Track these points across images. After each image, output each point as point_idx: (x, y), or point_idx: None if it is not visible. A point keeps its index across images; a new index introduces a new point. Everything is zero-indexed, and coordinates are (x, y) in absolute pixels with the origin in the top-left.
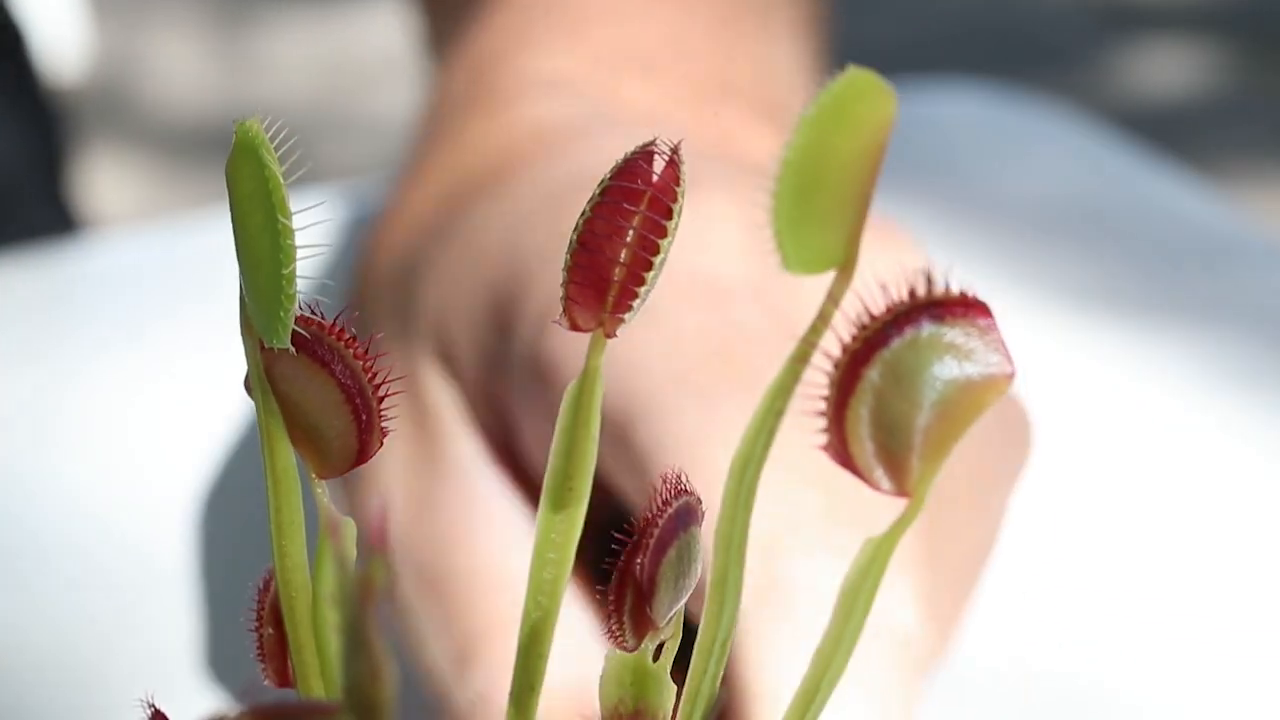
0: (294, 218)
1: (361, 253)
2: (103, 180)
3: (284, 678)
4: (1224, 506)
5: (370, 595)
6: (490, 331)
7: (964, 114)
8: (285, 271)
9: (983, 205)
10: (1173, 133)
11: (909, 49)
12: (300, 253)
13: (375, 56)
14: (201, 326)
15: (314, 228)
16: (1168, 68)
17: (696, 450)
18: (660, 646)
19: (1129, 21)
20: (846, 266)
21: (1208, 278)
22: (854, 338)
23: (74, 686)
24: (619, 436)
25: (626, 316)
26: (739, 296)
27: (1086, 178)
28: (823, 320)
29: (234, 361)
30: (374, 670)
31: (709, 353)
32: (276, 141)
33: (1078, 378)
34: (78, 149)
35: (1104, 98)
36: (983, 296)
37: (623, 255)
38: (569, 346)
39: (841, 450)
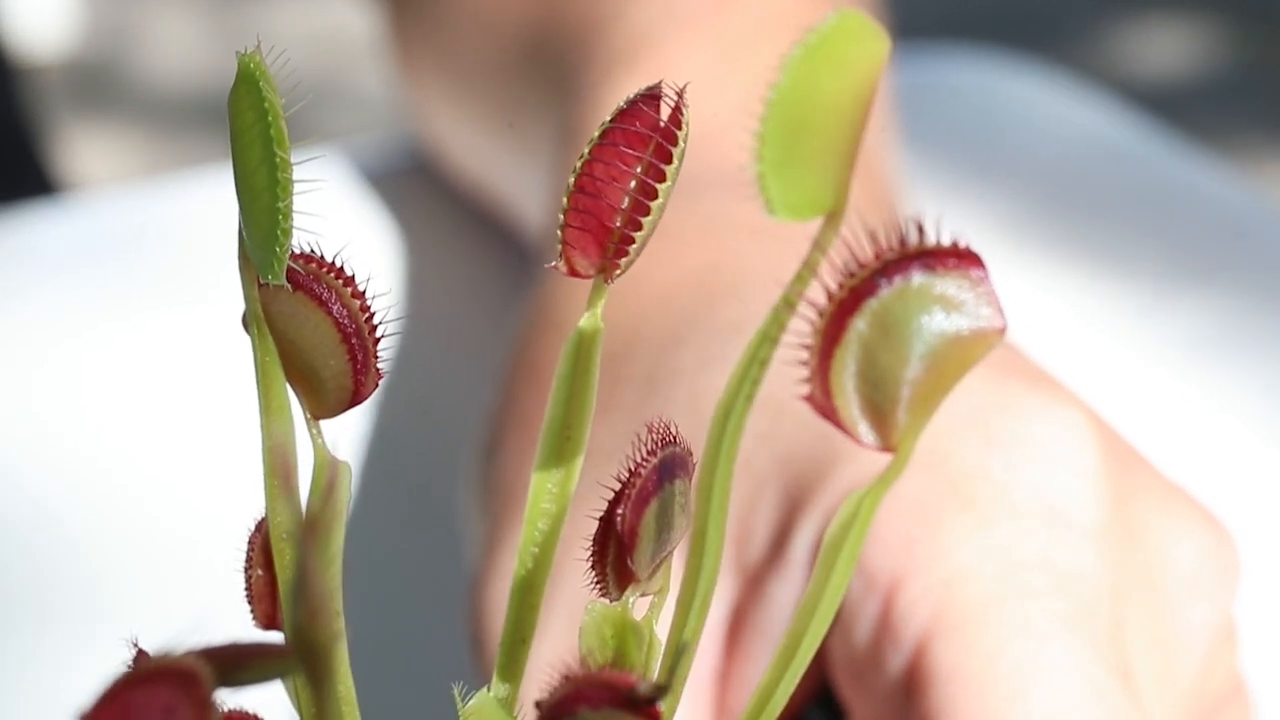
0: (293, 153)
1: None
2: (94, 153)
3: (272, 620)
4: (1234, 477)
5: (314, 534)
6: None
7: (966, 82)
8: (281, 205)
9: (983, 173)
10: (1171, 108)
11: (906, 23)
12: (299, 187)
13: (369, 30)
14: (174, 284)
15: (313, 163)
16: (1166, 43)
17: (998, 688)
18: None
19: None
20: (835, 213)
21: (1208, 247)
22: (841, 286)
23: (57, 621)
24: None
25: (623, 262)
26: (1080, 535)
27: (1088, 147)
28: (809, 269)
29: (217, 314)
30: (313, 610)
31: (1047, 589)
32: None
33: (1075, 345)
34: (65, 121)
35: (1103, 73)
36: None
37: (624, 201)
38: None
39: (825, 402)
